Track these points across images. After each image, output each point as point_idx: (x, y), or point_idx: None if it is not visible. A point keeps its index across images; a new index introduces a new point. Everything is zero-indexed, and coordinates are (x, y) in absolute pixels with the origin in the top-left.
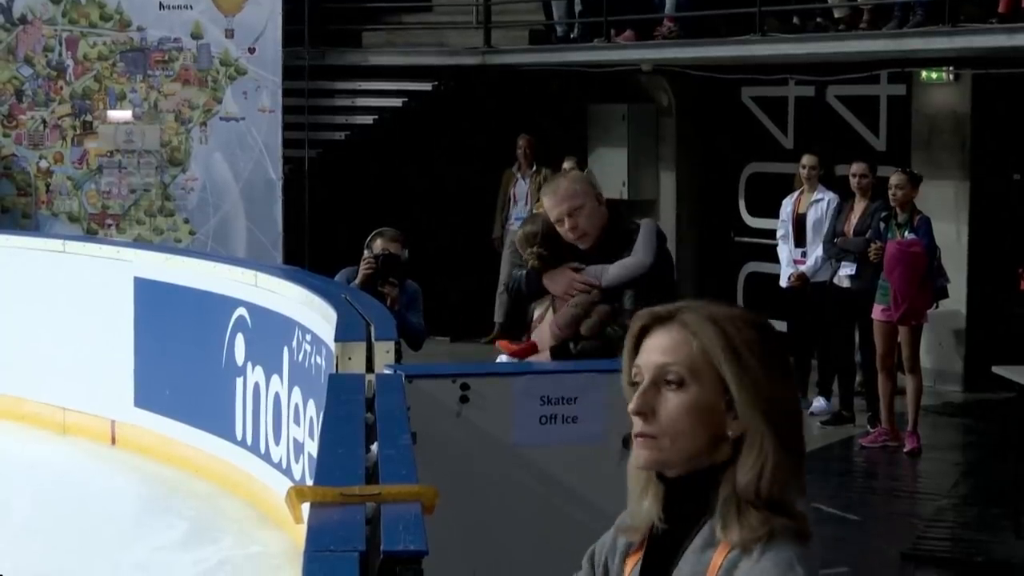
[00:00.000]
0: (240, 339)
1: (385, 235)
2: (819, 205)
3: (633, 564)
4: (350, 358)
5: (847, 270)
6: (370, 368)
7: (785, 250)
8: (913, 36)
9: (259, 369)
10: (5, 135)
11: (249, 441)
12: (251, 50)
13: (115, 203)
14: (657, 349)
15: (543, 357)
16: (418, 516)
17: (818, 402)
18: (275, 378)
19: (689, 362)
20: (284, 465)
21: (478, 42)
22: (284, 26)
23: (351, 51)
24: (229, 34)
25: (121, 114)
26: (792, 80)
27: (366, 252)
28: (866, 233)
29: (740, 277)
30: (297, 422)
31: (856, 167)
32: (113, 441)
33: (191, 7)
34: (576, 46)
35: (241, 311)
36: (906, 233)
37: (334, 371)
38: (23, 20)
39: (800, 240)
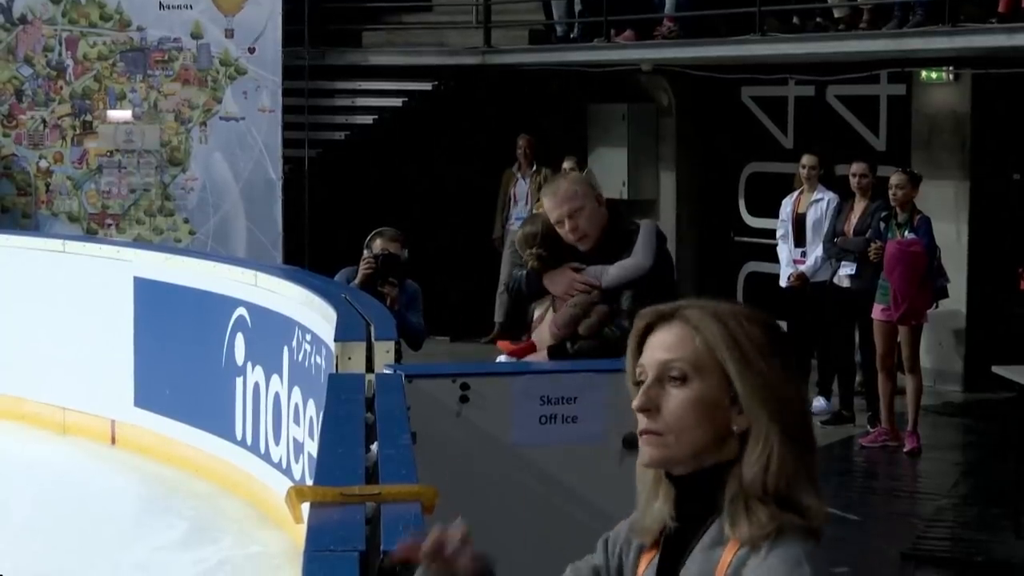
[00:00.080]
0: (240, 339)
1: (385, 235)
2: (819, 205)
3: (647, 563)
4: (350, 358)
5: (847, 270)
6: (370, 368)
7: (785, 250)
8: (913, 36)
9: (259, 369)
10: (5, 135)
11: (249, 441)
12: (251, 50)
13: (115, 203)
14: (660, 346)
15: (541, 357)
16: (418, 516)
17: (818, 402)
18: (275, 378)
19: (692, 358)
20: (284, 465)
21: (478, 42)
22: (284, 26)
23: (351, 51)
24: (229, 34)
25: (121, 114)
26: (792, 80)
27: (366, 252)
28: (866, 233)
29: (740, 277)
30: (297, 422)
31: (856, 167)
32: (113, 441)
33: (191, 7)
34: (576, 46)
35: (241, 311)
36: (906, 233)
37: (334, 371)
38: (23, 20)
39: (800, 240)
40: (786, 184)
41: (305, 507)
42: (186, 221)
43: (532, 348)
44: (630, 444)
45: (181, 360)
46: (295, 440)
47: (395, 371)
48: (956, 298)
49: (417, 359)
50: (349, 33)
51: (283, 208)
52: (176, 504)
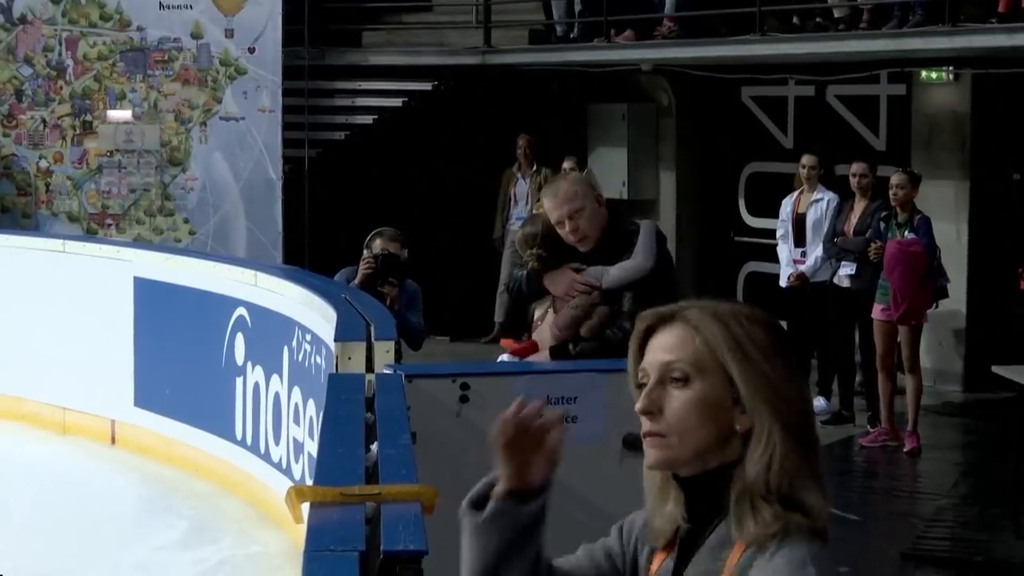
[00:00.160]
0: (240, 339)
1: (385, 235)
2: (819, 205)
3: (659, 563)
4: (350, 358)
5: (847, 270)
6: (370, 368)
7: (785, 250)
8: (913, 36)
9: (259, 369)
10: (5, 135)
11: (249, 441)
12: (251, 50)
13: (115, 203)
14: (661, 348)
15: (543, 357)
16: (418, 516)
17: (818, 402)
18: (275, 378)
19: (693, 358)
20: (284, 465)
21: (478, 42)
22: (284, 26)
23: (351, 51)
24: (229, 34)
25: (121, 114)
26: (792, 80)
27: (366, 252)
28: (866, 233)
29: (740, 277)
30: (297, 422)
31: (856, 167)
32: (113, 441)
33: (191, 7)
34: (576, 46)
35: (241, 311)
36: (906, 233)
37: (334, 371)
38: (23, 20)
39: (800, 240)
40: (786, 184)
41: (305, 507)
42: (186, 221)
43: (534, 348)
44: (630, 444)
45: (181, 360)
46: (295, 440)
47: (395, 371)
48: (956, 298)
49: (417, 359)
50: (349, 33)
51: (283, 208)
52: (176, 504)
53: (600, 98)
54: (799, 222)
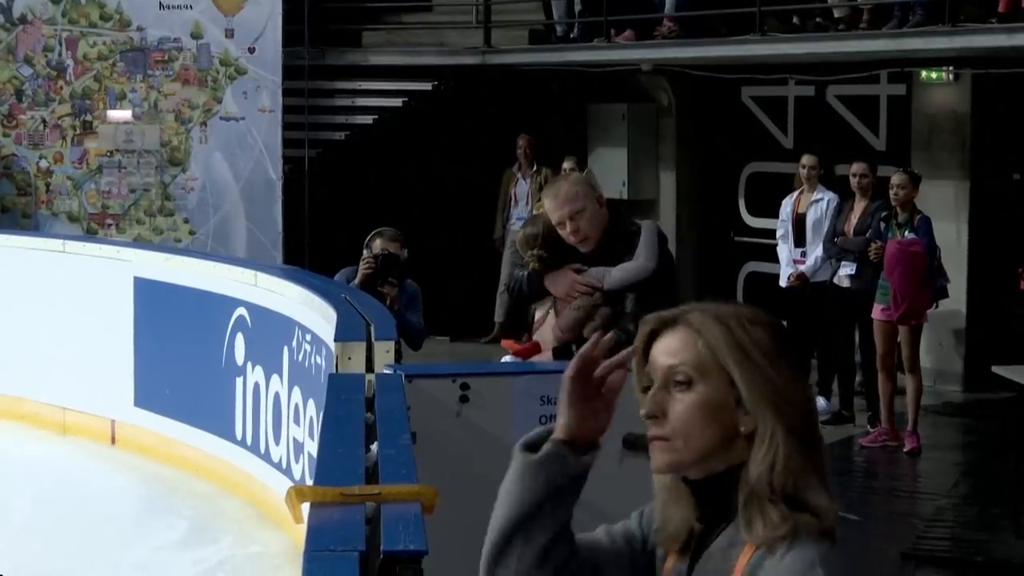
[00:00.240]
0: (240, 339)
1: (384, 235)
2: (819, 205)
3: (672, 564)
4: (350, 358)
5: (847, 270)
6: (370, 368)
7: (785, 250)
8: (913, 36)
9: (259, 369)
10: (5, 135)
11: (249, 441)
12: (251, 50)
13: (115, 203)
14: (665, 351)
15: (546, 358)
16: (418, 516)
17: (818, 402)
18: (275, 378)
19: (696, 361)
20: (284, 465)
21: (478, 42)
22: (284, 26)
23: (351, 51)
24: (229, 34)
25: (121, 114)
26: (792, 80)
27: (365, 252)
28: (866, 233)
29: (740, 277)
30: (297, 422)
31: (856, 167)
32: (113, 441)
33: (191, 7)
34: (576, 46)
35: (241, 311)
36: (906, 233)
37: (334, 371)
38: (23, 20)
39: (800, 240)
40: (786, 184)
41: (305, 507)
42: (186, 221)
43: (537, 349)
44: (630, 444)
45: (181, 360)
46: (295, 440)
47: (395, 371)
48: (956, 298)
49: (417, 359)
50: (349, 33)
51: (283, 208)
52: (176, 504)
53: (600, 98)
54: (799, 222)
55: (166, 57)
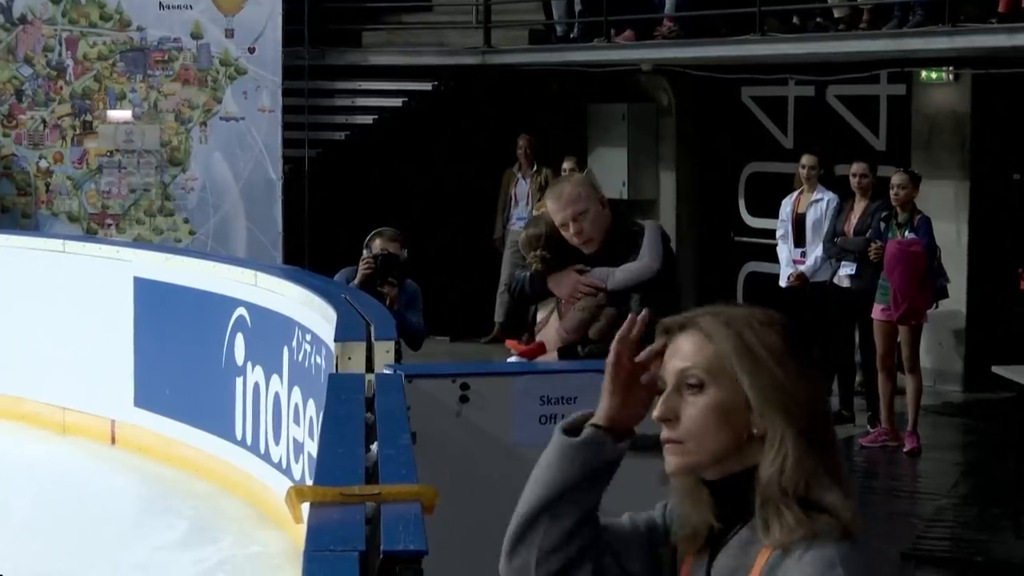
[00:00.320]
0: (240, 339)
1: (384, 235)
2: (818, 205)
3: (692, 560)
4: (350, 358)
5: (847, 270)
6: (370, 368)
7: (785, 250)
8: (913, 36)
9: (259, 369)
10: (5, 135)
11: (249, 441)
12: (251, 50)
13: (115, 203)
14: (677, 355)
15: (551, 359)
16: (418, 516)
17: None
18: (275, 378)
19: (707, 365)
20: (284, 465)
21: (478, 42)
22: (284, 26)
23: (351, 51)
24: (229, 34)
25: (121, 114)
26: (792, 80)
27: (365, 252)
28: (866, 233)
29: (740, 277)
30: (297, 422)
31: (856, 167)
32: (113, 441)
33: (191, 7)
34: (576, 46)
35: (241, 311)
36: (906, 233)
37: (334, 371)
38: (23, 20)
39: (799, 240)
40: (786, 184)
41: (305, 507)
42: (186, 221)
43: (542, 350)
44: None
45: (181, 360)
46: (295, 440)
47: (395, 371)
48: (956, 298)
49: (417, 359)
50: (349, 33)
51: (283, 208)
52: (176, 504)
53: (600, 98)
54: (799, 222)
55: (166, 57)
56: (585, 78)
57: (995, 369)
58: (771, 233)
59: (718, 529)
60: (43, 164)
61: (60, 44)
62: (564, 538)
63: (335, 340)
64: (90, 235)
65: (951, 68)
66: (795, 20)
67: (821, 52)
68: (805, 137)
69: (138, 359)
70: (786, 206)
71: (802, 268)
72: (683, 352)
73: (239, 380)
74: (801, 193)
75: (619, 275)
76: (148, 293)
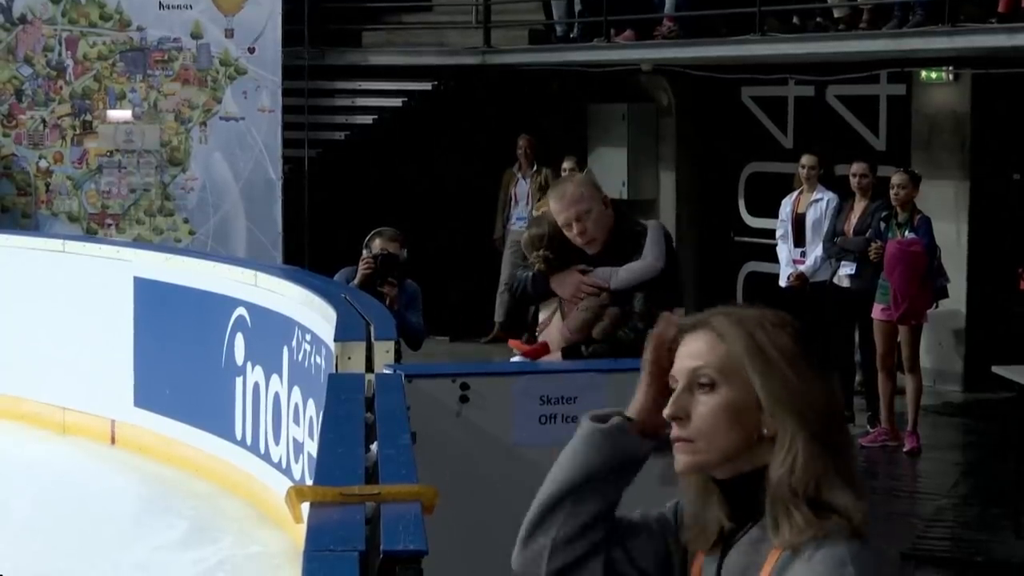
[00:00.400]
0: (240, 339)
1: (384, 235)
2: (818, 205)
3: (702, 558)
4: (350, 358)
5: (847, 270)
6: (370, 368)
7: (784, 250)
8: (913, 36)
9: (259, 369)
10: (5, 135)
11: (249, 441)
12: (251, 50)
13: (115, 203)
14: (688, 354)
15: (555, 359)
16: (418, 516)
17: None
18: (275, 378)
19: (718, 364)
20: (284, 465)
21: (478, 42)
22: (284, 26)
23: (351, 51)
24: (229, 34)
25: (121, 114)
26: (792, 80)
27: (365, 252)
28: (866, 233)
29: (740, 277)
30: (297, 422)
31: (856, 167)
32: (113, 441)
33: (191, 7)
34: (576, 46)
35: (241, 311)
36: (906, 233)
37: (334, 371)
38: (23, 20)
39: (799, 240)
40: (786, 184)
41: (305, 507)
42: (186, 221)
43: (546, 350)
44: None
45: (181, 360)
46: (295, 440)
47: (395, 371)
48: (956, 298)
49: (417, 359)
50: (349, 33)
51: (283, 208)
52: (176, 504)
53: (600, 98)
54: (799, 222)
55: (166, 57)
56: (585, 78)
57: (995, 369)
58: (771, 233)
59: (729, 528)
60: (43, 164)
61: (60, 44)
62: (580, 530)
63: (335, 340)
64: (90, 235)
65: (951, 68)
66: (795, 20)
67: (821, 52)
68: (805, 137)
69: (138, 359)
70: (786, 206)
71: (802, 268)
72: (695, 351)
73: (239, 380)
74: (801, 193)
75: (622, 275)
76: (148, 293)
